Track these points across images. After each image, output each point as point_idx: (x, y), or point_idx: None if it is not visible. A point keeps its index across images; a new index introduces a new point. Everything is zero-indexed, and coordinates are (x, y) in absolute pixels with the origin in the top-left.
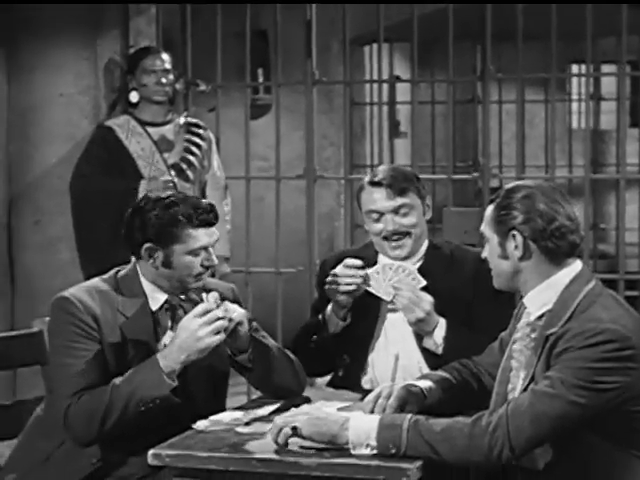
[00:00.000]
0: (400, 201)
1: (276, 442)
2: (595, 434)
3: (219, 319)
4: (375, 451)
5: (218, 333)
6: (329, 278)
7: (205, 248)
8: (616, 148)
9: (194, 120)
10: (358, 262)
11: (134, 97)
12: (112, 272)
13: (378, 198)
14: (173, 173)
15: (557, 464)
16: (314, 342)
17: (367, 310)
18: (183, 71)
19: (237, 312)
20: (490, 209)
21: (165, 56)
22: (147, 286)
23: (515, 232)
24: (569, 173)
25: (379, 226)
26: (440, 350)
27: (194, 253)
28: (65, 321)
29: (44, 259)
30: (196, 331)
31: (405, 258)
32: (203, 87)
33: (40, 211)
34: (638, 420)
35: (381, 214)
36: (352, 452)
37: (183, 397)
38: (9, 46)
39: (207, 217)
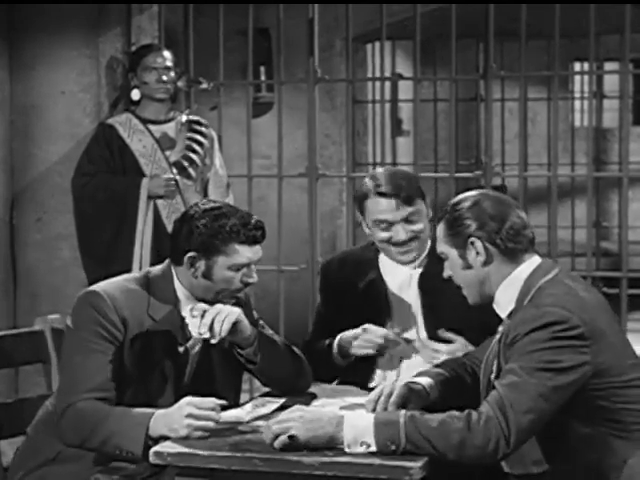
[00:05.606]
0: (410, 210)
1: (271, 445)
2: (571, 417)
3: (210, 415)
4: (371, 449)
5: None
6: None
7: (247, 265)
8: (619, 146)
9: (196, 118)
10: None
11: (136, 95)
12: (143, 272)
13: (387, 208)
14: (175, 171)
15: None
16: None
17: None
18: (185, 69)
19: (232, 311)
20: (441, 227)
21: (167, 53)
22: (181, 291)
23: (473, 239)
24: (572, 171)
25: (388, 234)
26: None
27: (235, 268)
28: (90, 317)
29: (46, 257)
30: (183, 418)
31: (412, 262)
32: (205, 85)
33: (42, 209)
34: (604, 398)
35: (390, 223)
36: (347, 451)
37: (206, 382)
38: (11, 43)
39: (255, 234)
